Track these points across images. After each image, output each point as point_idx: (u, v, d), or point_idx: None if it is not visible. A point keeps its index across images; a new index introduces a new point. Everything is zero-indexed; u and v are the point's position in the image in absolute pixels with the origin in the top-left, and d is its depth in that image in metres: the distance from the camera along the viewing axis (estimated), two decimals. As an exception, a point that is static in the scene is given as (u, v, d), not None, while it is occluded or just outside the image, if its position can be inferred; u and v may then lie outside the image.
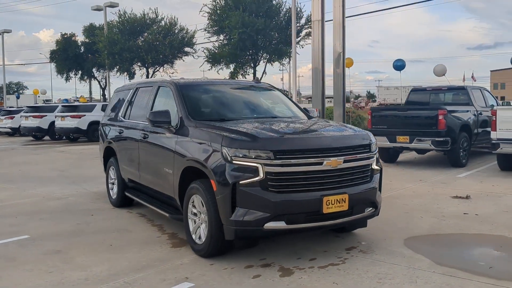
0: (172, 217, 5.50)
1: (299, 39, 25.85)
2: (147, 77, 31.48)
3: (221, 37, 26.07)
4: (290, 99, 6.72)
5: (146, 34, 30.18)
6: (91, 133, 21.91)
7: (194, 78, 7.09)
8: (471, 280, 4.19)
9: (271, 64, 27.28)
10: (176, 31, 30.78)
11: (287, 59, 26.49)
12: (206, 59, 26.56)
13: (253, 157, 4.39)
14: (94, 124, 21.96)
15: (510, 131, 9.91)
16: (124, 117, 7.14)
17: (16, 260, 4.91)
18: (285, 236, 5.30)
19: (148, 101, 6.40)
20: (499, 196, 7.90)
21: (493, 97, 14.03)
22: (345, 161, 4.66)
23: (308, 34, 25.68)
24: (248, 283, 4.18)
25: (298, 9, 24.64)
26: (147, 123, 6.19)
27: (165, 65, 32.15)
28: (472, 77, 37.77)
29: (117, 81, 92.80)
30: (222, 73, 26.56)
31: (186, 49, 31.60)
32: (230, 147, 4.48)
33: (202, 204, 4.81)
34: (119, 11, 30.46)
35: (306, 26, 25.52)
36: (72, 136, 22.79)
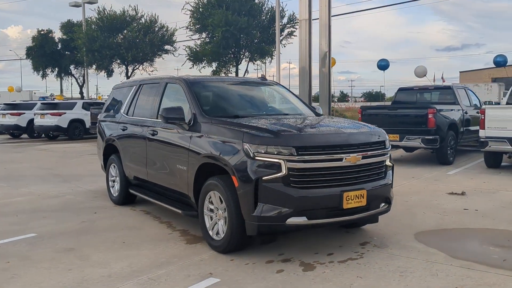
0: (186, 214, 5.48)
1: (281, 38, 25.93)
2: (127, 75, 31.09)
3: (203, 35, 25.97)
4: (297, 96, 6.77)
5: (126, 31, 29.78)
6: (72, 131, 21.58)
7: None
8: (489, 272, 4.31)
9: (253, 63, 27.38)
10: (157, 29, 30.49)
11: (269, 58, 26.64)
12: (188, 57, 26.43)
13: (275, 153, 4.42)
14: (74, 122, 21.64)
15: (498, 129, 10.19)
16: (127, 114, 7.05)
17: (30, 259, 4.81)
18: (299, 231, 5.34)
19: (155, 98, 6.35)
20: (493, 193, 8.12)
21: (476, 96, 14.38)
22: (363, 157, 4.74)
23: (290, 34, 25.86)
24: (273, 278, 4.21)
25: (281, 8, 24.71)
26: (155, 119, 6.16)
27: (145, 63, 31.81)
28: (442, 78, 38.49)
29: (95, 79, 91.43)
30: (204, 71, 26.49)
31: (166, 47, 31.33)
32: (252, 143, 4.50)
33: (221, 200, 4.81)
34: (98, 7, 30.01)
35: (288, 25, 25.67)
36: (52, 134, 22.34)
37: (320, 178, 4.52)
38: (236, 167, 4.54)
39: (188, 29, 26.07)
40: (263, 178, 4.39)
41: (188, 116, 5.42)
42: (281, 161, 4.39)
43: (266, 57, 26.58)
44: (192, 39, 26.89)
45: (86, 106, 22.20)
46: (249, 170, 4.44)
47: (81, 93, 36.69)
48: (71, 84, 41.96)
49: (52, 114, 21.33)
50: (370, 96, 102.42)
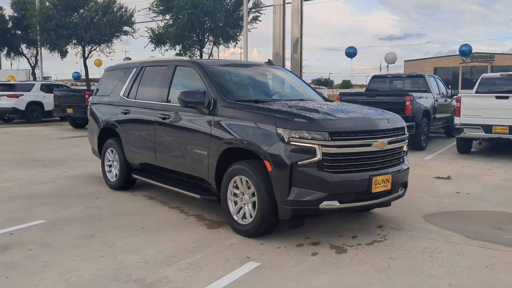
0: (204, 199, 5.45)
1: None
2: (83, 56, 30.01)
3: (167, 17, 25.39)
4: (303, 80, 6.81)
5: (82, 10, 28.65)
6: (30, 114, 20.63)
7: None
8: (509, 251, 4.57)
9: (217, 47, 27.12)
10: (115, 9, 29.51)
11: (234, 43, 26.46)
12: (150, 39, 25.77)
13: (310, 138, 4.46)
14: (33, 105, 20.70)
15: (473, 117, 10.67)
16: (127, 97, 6.86)
17: (52, 246, 4.65)
18: (324, 215, 5.39)
19: (163, 81, 6.20)
20: (476, 177, 8.53)
21: (444, 85, 14.96)
22: (389, 143, 4.88)
23: (255, 19, 25.79)
24: (312, 261, 4.29)
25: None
26: (164, 103, 6.05)
27: (102, 45, 30.79)
28: (387, 67, 39.69)
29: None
30: (168, 54, 25.92)
31: (125, 28, 30.42)
32: (286, 128, 4.52)
33: (248, 185, 4.82)
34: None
35: (253, 10, 25.53)
36: (7, 117, 21.30)
37: (351, 163, 4.62)
38: (270, 152, 4.55)
39: (151, 11, 25.42)
40: (298, 162, 4.44)
41: (207, 101, 5.34)
42: (316, 145, 4.44)
43: (231, 41, 26.39)
44: (155, 21, 26.28)
45: (45, 88, 21.33)
46: (284, 155, 4.47)
47: (33, 74, 35.04)
48: (11, 64, 39.58)
49: (9, 96, 20.30)
50: (320, 82, 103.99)
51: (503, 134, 10.43)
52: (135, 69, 6.93)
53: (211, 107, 5.31)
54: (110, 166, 7.28)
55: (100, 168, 7.57)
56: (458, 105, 10.95)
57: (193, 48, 25.91)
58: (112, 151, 7.16)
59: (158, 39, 25.55)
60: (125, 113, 6.77)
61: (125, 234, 5.03)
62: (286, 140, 4.49)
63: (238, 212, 5.00)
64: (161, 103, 6.10)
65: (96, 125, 7.52)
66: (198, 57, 25.97)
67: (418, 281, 3.87)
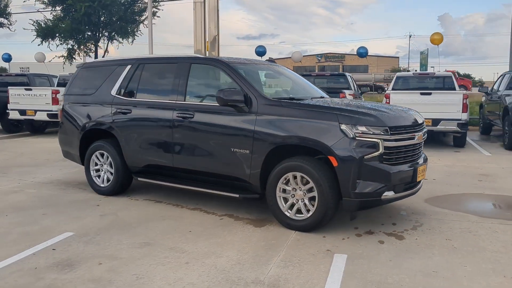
0: (244, 197, 5.42)
1: (143, 18, 25.09)
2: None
3: (57, 8, 23.45)
4: (305, 79, 7.01)
5: None
6: None
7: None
8: (527, 226, 5.34)
9: (111, 43, 25.77)
10: (-12, -2, 26.57)
11: (131, 38, 25.38)
12: (37, 32, 23.59)
13: (372, 133, 4.75)
14: None
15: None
16: (122, 96, 6.46)
17: (120, 257, 4.31)
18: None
19: (177, 79, 5.96)
20: (422, 165, 9.51)
21: (355, 83, 16.23)
22: (423, 135, 5.37)
23: (153, 14, 25.11)
24: (387, 248, 4.57)
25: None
26: (182, 102, 5.86)
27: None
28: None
29: None
30: (60, 49, 24.07)
31: (0, 19, 27.52)
32: (349, 124, 4.74)
33: (303, 181, 4.95)
34: None
35: (151, 5, 24.80)
36: None
37: (403, 155, 5.01)
38: (335, 147, 4.73)
39: (40, 2, 23.33)
40: (365, 157, 4.70)
41: (245, 98, 5.32)
42: (378, 140, 4.74)
43: (128, 37, 25.33)
44: (39, 11, 24.16)
45: None
46: (352, 150, 4.69)
47: None
48: None
49: None
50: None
51: (427, 126, 11.67)
52: (129, 66, 6.54)
53: (250, 105, 5.31)
54: (97, 170, 6.78)
55: (62, 173, 7.08)
56: (388, 101, 12.03)
57: (88, 44, 24.38)
58: (102, 154, 6.67)
59: (46, 32, 23.55)
60: (124, 113, 6.36)
61: (181, 239, 4.82)
62: (351, 135, 4.71)
63: (290, 208, 5.09)
64: (179, 102, 5.87)
65: (76, 127, 6.91)
66: (94, 53, 24.58)
67: (490, 257, 4.38)
